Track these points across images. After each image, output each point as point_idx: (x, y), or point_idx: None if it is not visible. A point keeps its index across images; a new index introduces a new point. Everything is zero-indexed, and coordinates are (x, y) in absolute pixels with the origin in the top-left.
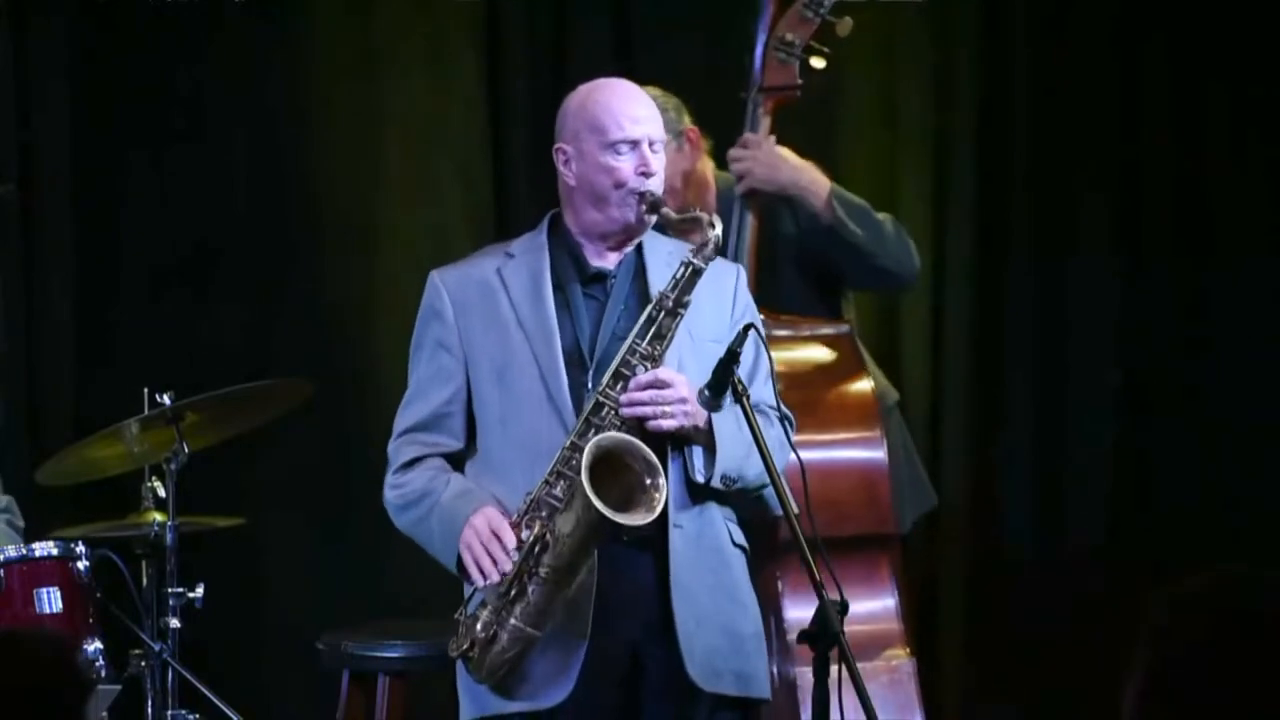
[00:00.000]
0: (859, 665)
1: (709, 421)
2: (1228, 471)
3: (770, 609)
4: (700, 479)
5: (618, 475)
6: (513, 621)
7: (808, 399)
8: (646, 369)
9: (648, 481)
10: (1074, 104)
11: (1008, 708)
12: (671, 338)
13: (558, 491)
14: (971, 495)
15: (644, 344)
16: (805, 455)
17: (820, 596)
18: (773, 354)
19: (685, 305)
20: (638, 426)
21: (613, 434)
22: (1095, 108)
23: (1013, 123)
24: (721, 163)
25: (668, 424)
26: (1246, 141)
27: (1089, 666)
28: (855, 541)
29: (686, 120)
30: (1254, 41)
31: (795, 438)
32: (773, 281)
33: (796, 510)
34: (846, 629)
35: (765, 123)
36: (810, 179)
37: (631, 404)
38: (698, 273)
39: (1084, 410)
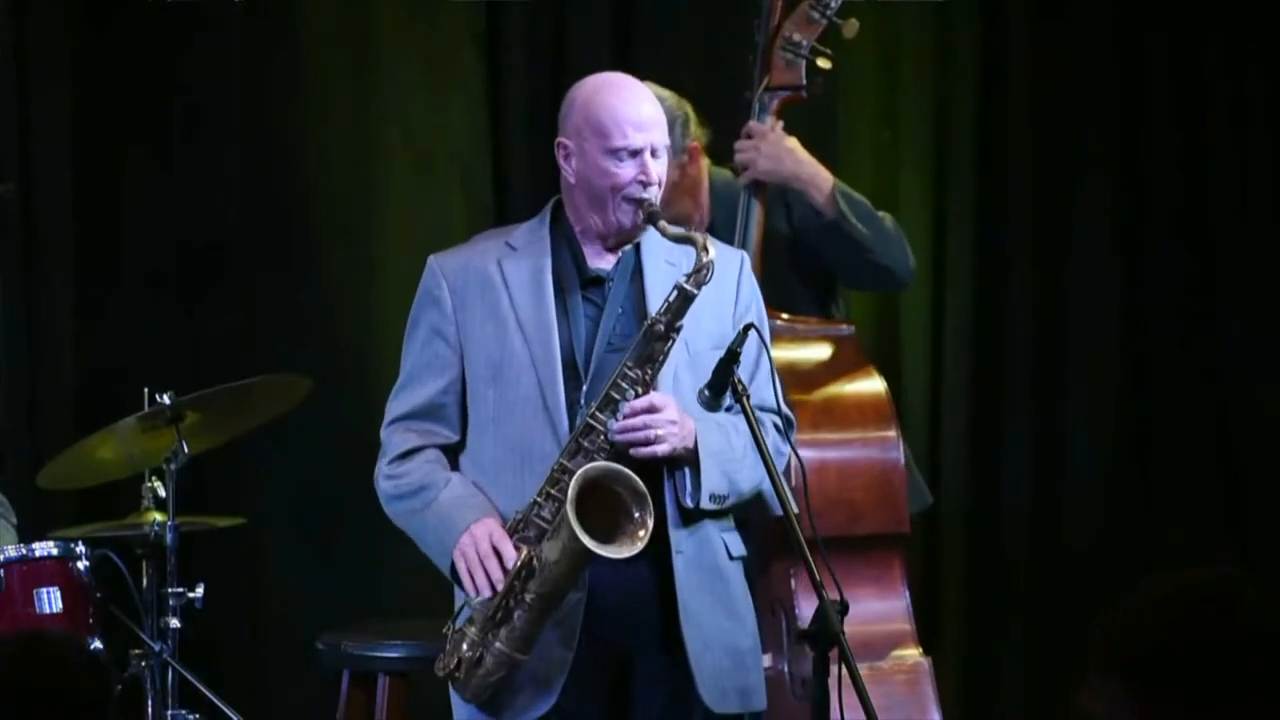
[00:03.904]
0: (872, 665)
1: (695, 442)
2: (1228, 471)
3: (782, 608)
4: (689, 504)
5: (605, 502)
6: (498, 645)
7: (821, 398)
8: (637, 394)
9: (635, 512)
10: (1074, 102)
11: (1006, 706)
12: (664, 361)
13: (546, 514)
14: (971, 494)
15: (635, 369)
16: (821, 455)
17: (820, 596)
18: (782, 352)
19: (678, 329)
20: (626, 452)
21: (600, 463)
22: (1096, 106)
23: (1012, 122)
24: (719, 159)
25: (661, 449)
26: (1249, 141)
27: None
28: (869, 541)
29: (693, 132)
30: (1256, 39)
31: (810, 436)
32: (766, 278)
33: (796, 510)
34: (859, 628)
35: (770, 122)
36: (813, 172)
37: (623, 430)
38: (689, 298)
39: (1084, 410)
